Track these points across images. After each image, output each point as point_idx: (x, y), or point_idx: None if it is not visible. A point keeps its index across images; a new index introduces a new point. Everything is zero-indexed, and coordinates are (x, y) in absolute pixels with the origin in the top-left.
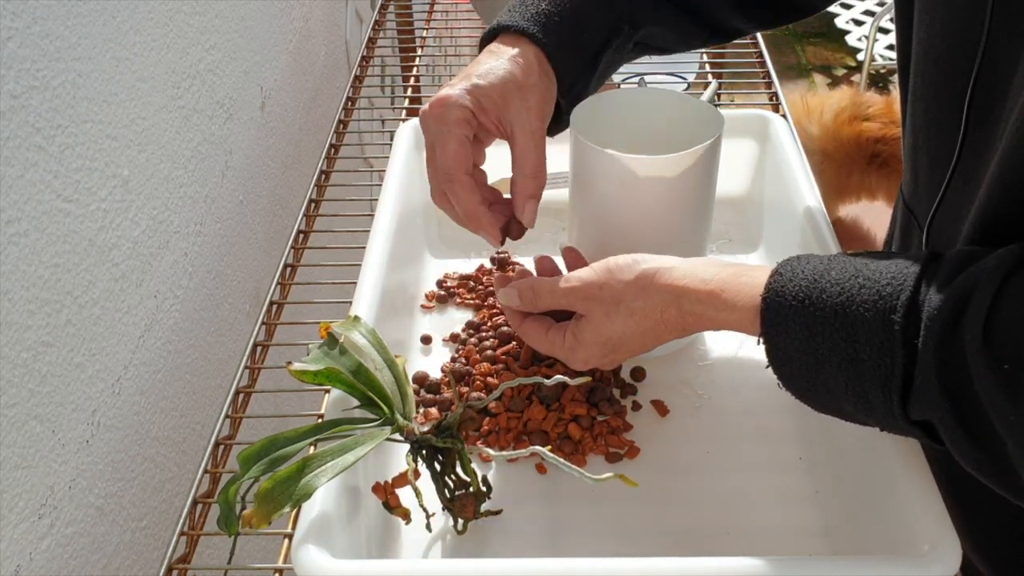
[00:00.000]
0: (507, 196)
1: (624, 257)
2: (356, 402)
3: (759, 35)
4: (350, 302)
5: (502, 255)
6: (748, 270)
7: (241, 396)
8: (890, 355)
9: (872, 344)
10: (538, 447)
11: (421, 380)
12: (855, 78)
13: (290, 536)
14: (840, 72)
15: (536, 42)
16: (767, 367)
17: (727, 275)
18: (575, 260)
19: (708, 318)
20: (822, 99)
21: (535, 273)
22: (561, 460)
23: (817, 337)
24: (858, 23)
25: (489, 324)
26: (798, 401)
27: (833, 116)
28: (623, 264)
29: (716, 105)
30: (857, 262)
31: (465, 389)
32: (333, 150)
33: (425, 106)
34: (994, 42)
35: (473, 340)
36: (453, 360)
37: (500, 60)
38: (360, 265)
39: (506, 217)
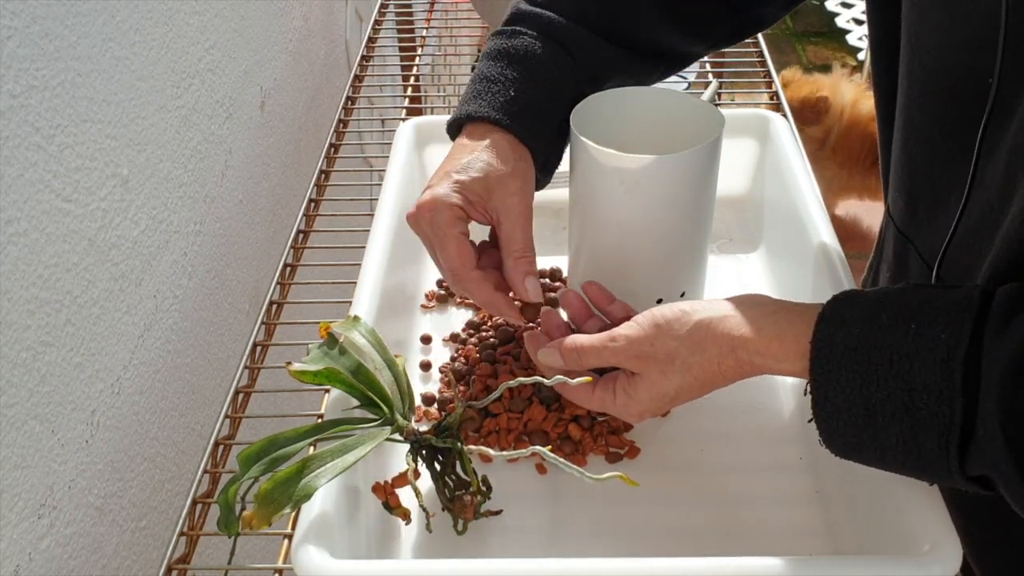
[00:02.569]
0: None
1: (672, 309)
2: (356, 402)
3: (759, 34)
4: (350, 302)
5: None
6: (801, 315)
7: (241, 396)
8: (949, 404)
9: (930, 392)
10: (538, 447)
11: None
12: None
13: (290, 536)
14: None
15: (506, 128)
16: (809, 421)
17: (783, 321)
18: (599, 296)
19: (767, 367)
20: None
21: (561, 311)
22: (561, 460)
23: (871, 386)
24: (858, 22)
25: (489, 324)
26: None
27: (846, 116)
28: (672, 318)
29: (716, 105)
30: (908, 304)
31: (464, 388)
32: (333, 150)
33: (412, 208)
34: (1006, 79)
35: (473, 340)
36: (453, 360)
37: (476, 153)
38: (360, 265)
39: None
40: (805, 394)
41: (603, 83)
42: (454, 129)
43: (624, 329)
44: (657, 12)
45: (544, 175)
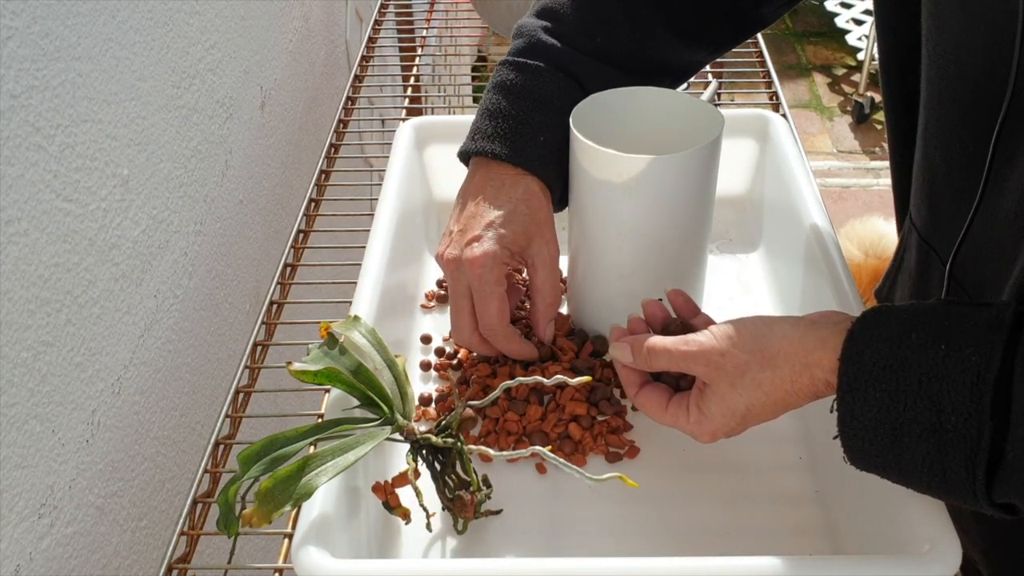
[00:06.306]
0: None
1: (749, 322)
2: (356, 402)
3: (759, 34)
4: (350, 302)
5: None
6: None
7: (241, 396)
8: (977, 427)
9: (959, 414)
10: (538, 447)
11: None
12: (855, 77)
13: (290, 536)
14: (840, 72)
15: (537, 175)
16: (835, 438)
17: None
18: (684, 305)
19: None
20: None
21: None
22: (561, 460)
23: (899, 405)
24: (858, 22)
25: None
26: None
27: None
28: (747, 332)
29: (716, 105)
30: (938, 323)
31: (464, 387)
32: (333, 150)
33: (452, 253)
34: (1022, 85)
35: None
36: (451, 359)
37: (514, 202)
38: (360, 265)
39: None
40: (832, 411)
41: None
42: (468, 158)
43: (699, 335)
44: (668, 31)
45: (556, 208)
